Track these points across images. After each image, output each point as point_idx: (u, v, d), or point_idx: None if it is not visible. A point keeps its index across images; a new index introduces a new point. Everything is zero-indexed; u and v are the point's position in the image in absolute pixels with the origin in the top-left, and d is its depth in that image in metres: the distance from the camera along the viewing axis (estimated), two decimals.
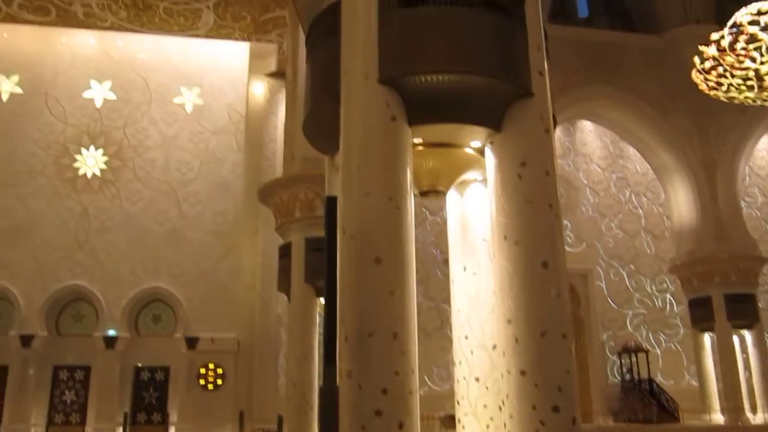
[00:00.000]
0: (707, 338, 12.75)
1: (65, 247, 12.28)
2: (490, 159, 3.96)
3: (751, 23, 8.14)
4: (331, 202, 3.77)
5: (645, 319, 14.18)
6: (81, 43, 13.41)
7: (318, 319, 8.45)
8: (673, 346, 14.14)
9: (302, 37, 9.63)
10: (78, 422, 11.74)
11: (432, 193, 4.37)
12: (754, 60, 8.45)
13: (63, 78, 13.17)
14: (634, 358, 13.22)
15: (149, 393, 12.07)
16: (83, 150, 12.87)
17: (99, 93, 13.24)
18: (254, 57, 14.02)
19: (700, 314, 12.34)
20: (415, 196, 4.07)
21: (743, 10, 8.18)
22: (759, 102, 9.32)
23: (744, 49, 8.43)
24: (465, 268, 4.50)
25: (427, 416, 8.17)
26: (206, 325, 12.20)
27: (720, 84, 9.06)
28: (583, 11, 14.93)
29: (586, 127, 14.77)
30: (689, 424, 11.73)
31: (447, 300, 12.76)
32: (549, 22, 4.28)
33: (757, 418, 11.99)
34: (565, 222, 11.80)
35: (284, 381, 10.41)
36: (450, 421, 8.65)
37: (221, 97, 13.69)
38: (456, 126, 3.97)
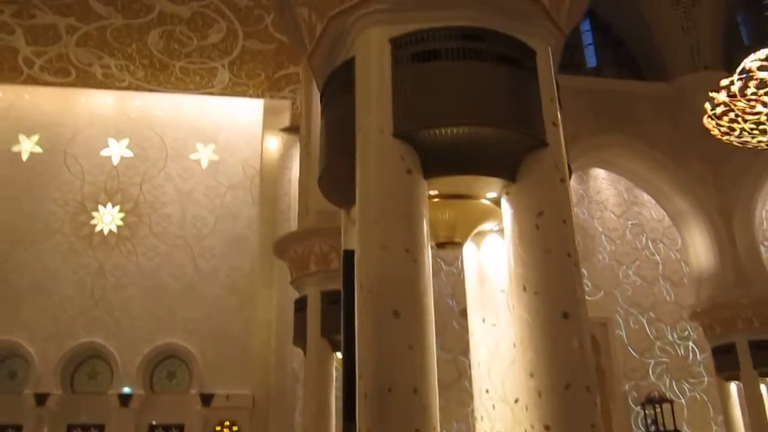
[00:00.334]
0: (733, 387, 12.40)
1: (81, 304, 12.31)
2: (506, 209, 3.95)
3: (760, 68, 8.19)
4: (348, 256, 3.76)
5: (668, 368, 13.86)
6: (99, 102, 13.74)
7: (334, 374, 8.33)
8: (698, 395, 13.77)
9: (315, 93, 9.79)
10: None
11: (449, 244, 4.35)
12: (765, 104, 8.47)
13: (82, 137, 13.45)
14: (658, 409, 12.85)
15: None
16: (100, 207, 13.04)
17: (116, 151, 13.49)
18: (268, 112, 14.27)
19: (725, 362, 12.03)
20: (431, 248, 4.05)
21: (752, 56, 8.24)
22: None
23: (754, 94, 8.46)
24: (484, 320, 4.44)
25: None
26: (221, 381, 12.08)
27: (732, 129, 9.07)
28: (591, 61, 15.12)
29: (600, 174, 14.78)
30: None
31: (464, 352, 12.56)
32: (558, 73, 4.32)
33: None
34: (582, 270, 11.66)
35: None
36: None
37: (236, 153, 13.89)
38: (471, 177, 3.97)
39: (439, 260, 13.10)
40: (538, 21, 4.17)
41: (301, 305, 8.93)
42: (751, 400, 11.68)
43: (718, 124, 8.96)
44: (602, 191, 14.85)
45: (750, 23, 15.06)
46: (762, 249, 13.21)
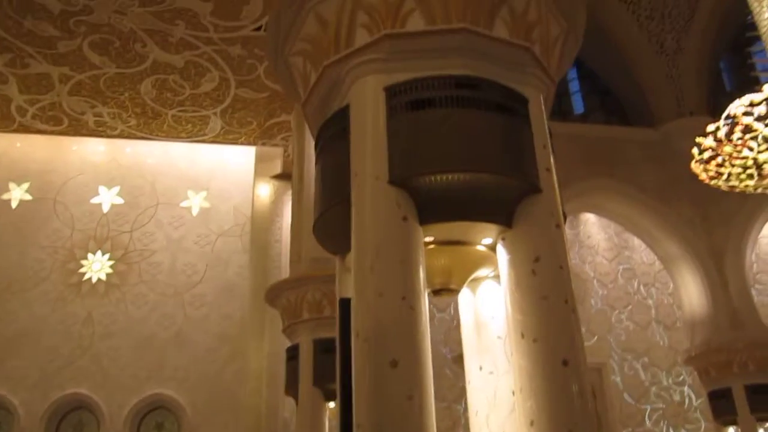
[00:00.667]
0: None
1: (68, 353, 12.09)
2: (502, 255, 3.94)
3: (745, 114, 8.31)
4: (344, 304, 3.72)
5: (664, 413, 13.71)
6: (91, 150, 13.76)
7: (327, 424, 8.17)
8: None
9: (307, 141, 9.89)
10: None
11: (445, 291, 4.31)
12: (751, 149, 8.57)
13: (72, 184, 13.42)
14: None
15: None
16: (89, 255, 12.92)
17: (107, 198, 13.45)
18: (260, 160, 14.34)
19: (722, 407, 11.92)
20: (427, 295, 4.02)
21: (737, 102, 8.37)
22: (760, 190, 9.38)
23: (740, 139, 8.57)
24: (481, 368, 4.38)
25: None
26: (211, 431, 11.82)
27: (720, 173, 9.15)
28: (578, 108, 15.38)
29: (590, 219, 14.86)
30: None
31: (457, 399, 12.40)
32: (548, 119, 4.39)
33: None
34: None
35: None
36: None
37: (227, 200, 13.89)
38: (467, 224, 3.97)
39: (431, 307, 13.03)
40: (530, 70, 4.24)
41: (293, 353, 8.82)
42: None
43: (705, 169, 9.05)
44: (593, 236, 14.92)
45: (732, 70, 15.42)
46: (754, 292, 13.23)
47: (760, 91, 7.75)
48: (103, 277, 12.80)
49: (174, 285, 12.93)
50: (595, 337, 13.79)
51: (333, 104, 4.42)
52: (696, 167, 9.24)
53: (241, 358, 12.54)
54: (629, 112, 14.73)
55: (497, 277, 4.20)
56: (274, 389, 12.38)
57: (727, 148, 8.56)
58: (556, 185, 4.09)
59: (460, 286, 4.41)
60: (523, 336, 3.64)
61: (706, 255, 12.47)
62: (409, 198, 3.78)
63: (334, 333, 4.53)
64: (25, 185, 13.28)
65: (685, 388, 13.92)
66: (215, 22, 10.50)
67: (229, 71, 11.72)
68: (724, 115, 8.31)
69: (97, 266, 12.87)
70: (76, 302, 12.50)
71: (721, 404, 11.96)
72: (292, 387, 8.70)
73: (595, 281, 14.43)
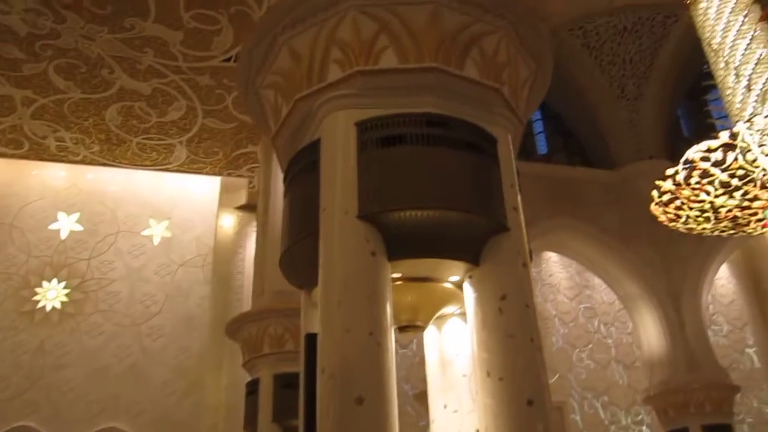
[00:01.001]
0: None
1: (16, 384, 11.63)
2: (469, 293, 3.95)
3: (703, 159, 8.52)
4: (310, 339, 3.67)
5: None
6: (52, 175, 13.47)
7: None
8: None
9: (274, 173, 9.86)
10: None
11: (411, 328, 4.30)
12: (708, 193, 8.78)
13: (30, 209, 13.09)
14: None
15: None
16: (44, 282, 12.56)
17: (66, 225, 13.14)
18: (224, 190, 14.21)
19: None
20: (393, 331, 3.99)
21: (695, 148, 8.59)
22: (716, 233, 9.61)
23: (698, 183, 8.79)
24: (446, 406, 4.35)
25: None
26: None
27: (678, 216, 9.36)
28: (542, 148, 15.69)
29: (552, 258, 15.04)
30: None
31: None
32: (515, 159, 4.46)
33: None
34: None
35: None
36: None
37: (190, 230, 13.69)
38: (435, 261, 3.98)
39: (394, 343, 12.92)
40: (499, 110, 4.32)
41: (252, 388, 8.66)
42: None
43: (665, 211, 9.25)
44: (554, 274, 15.08)
45: (690, 116, 15.94)
46: (710, 333, 13.47)
47: (717, 137, 8.00)
48: (58, 306, 12.43)
49: (131, 315, 12.61)
50: (556, 376, 13.84)
51: (304, 138, 4.42)
52: (655, 209, 9.45)
53: (199, 392, 12.23)
54: (591, 154, 15.06)
55: (463, 314, 4.21)
56: (231, 424, 12.05)
57: (686, 192, 8.79)
58: (523, 224, 4.14)
59: (427, 322, 4.41)
60: (488, 374, 3.63)
61: (664, 295, 12.68)
62: (377, 233, 3.78)
63: (296, 368, 4.47)
64: None
65: (644, 428, 14.02)
66: (185, 51, 10.48)
67: (197, 100, 11.66)
68: (683, 159, 8.52)
69: (52, 294, 12.49)
70: (28, 331, 12.08)
71: None
72: (250, 422, 8.52)
73: (556, 319, 14.55)
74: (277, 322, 8.49)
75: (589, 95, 14.23)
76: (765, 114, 7.85)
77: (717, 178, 8.42)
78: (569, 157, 15.24)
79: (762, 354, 14.68)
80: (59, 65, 10.74)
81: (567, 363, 14.19)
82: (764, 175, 8.00)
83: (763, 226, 8.56)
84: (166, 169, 13.67)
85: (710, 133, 8.74)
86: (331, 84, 4.16)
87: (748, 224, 8.99)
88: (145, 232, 13.43)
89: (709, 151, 8.34)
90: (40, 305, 12.37)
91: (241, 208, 14.51)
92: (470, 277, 3.96)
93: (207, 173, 13.86)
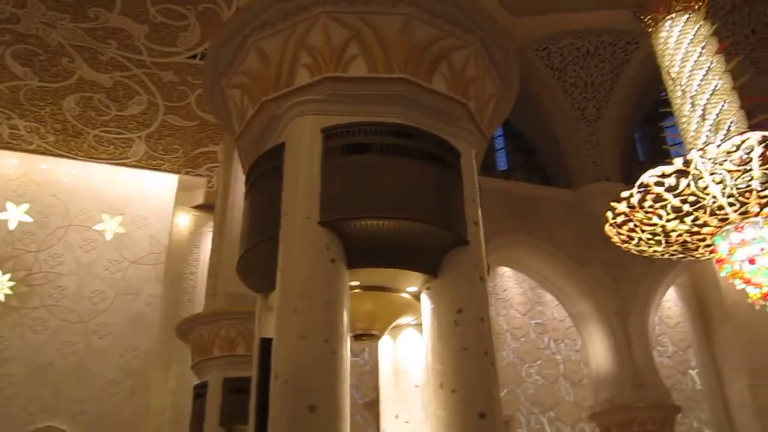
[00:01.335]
0: None
1: None
2: (426, 305, 3.96)
3: (657, 184, 8.75)
4: (264, 344, 3.63)
5: None
6: (3, 163, 13.06)
7: None
8: None
9: (234, 174, 9.75)
10: None
11: (366, 336, 4.29)
12: (660, 217, 9.02)
13: None
14: None
15: None
16: None
17: (15, 215, 12.74)
18: (182, 189, 13.98)
19: None
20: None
21: (650, 172, 8.82)
22: (666, 256, 9.87)
23: (652, 207, 9.01)
24: (397, 416, 4.35)
25: None
26: None
27: (631, 238, 9.59)
28: (502, 164, 15.90)
29: (506, 273, 15.21)
30: None
31: None
32: (477, 174, 4.50)
33: None
34: None
35: None
36: None
37: (144, 227, 13.42)
38: (394, 271, 3.98)
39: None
40: (464, 124, 4.36)
41: (200, 391, 8.51)
42: None
43: (618, 233, 9.47)
44: (508, 289, 15.25)
45: (646, 141, 16.37)
46: (655, 353, 13.80)
47: (671, 163, 8.23)
48: (2, 298, 12.02)
49: (78, 311, 12.28)
50: (505, 390, 13.97)
51: (268, 141, 4.39)
52: (609, 230, 9.66)
53: (144, 394, 11.96)
54: (550, 172, 15.33)
55: (419, 325, 4.22)
56: (176, 427, 11.83)
57: (639, 215, 9.01)
58: (483, 239, 4.18)
59: (382, 332, 4.40)
60: (442, 386, 3.64)
61: (613, 315, 12.96)
62: (338, 240, 3.76)
63: (247, 372, 4.41)
64: None
65: None
66: (149, 45, 10.31)
67: (159, 96, 11.48)
68: (638, 183, 8.74)
69: None
70: None
71: None
72: (196, 426, 8.35)
73: (507, 334, 14.71)
74: (230, 324, 8.37)
75: (550, 115, 14.49)
76: (717, 143, 8.11)
77: (669, 203, 8.66)
78: (528, 174, 15.47)
79: (704, 375, 15.11)
80: (17, 51, 10.44)
81: (516, 378, 14.35)
82: (714, 203, 8.26)
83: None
84: (123, 164, 13.41)
85: (665, 158, 8.97)
86: (299, 88, 4.14)
87: (696, 249, 9.27)
88: (97, 227, 13.12)
89: (663, 176, 8.57)
90: None
91: (197, 207, 14.30)
92: (428, 288, 3.97)
93: (165, 170, 13.64)
